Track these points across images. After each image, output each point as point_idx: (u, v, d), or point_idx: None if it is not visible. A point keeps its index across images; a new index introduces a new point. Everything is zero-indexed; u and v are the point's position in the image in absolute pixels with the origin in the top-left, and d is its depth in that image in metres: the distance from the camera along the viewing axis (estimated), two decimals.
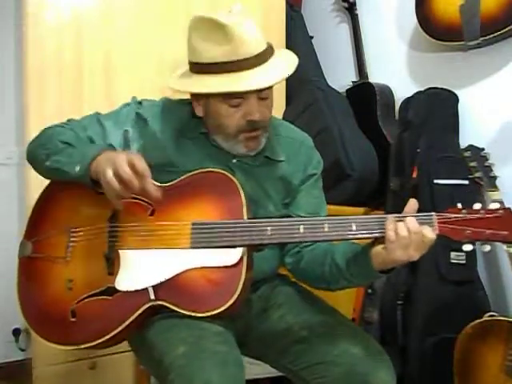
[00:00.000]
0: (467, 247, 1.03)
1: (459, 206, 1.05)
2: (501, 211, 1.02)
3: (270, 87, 1.19)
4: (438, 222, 1.03)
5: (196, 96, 1.23)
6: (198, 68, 1.18)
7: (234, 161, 1.26)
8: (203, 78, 1.17)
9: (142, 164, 1.06)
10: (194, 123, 1.27)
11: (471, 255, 1.81)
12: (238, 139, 1.20)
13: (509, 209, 1.02)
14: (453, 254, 1.78)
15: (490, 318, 1.54)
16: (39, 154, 1.24)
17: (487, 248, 1.04)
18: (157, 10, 1.96)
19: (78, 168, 1.14)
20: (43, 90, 1.80)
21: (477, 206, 1.04)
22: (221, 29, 1.12)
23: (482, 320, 1.54)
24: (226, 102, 1.17)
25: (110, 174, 1.06)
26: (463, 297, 1.78)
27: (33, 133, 1.76)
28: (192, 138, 1.26)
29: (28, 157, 1.29)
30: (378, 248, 1.05)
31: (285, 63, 1.20)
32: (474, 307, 1.74)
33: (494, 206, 1.04)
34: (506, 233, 1.00)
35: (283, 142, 1.32)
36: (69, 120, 1.32)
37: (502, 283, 1.86)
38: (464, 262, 1.79)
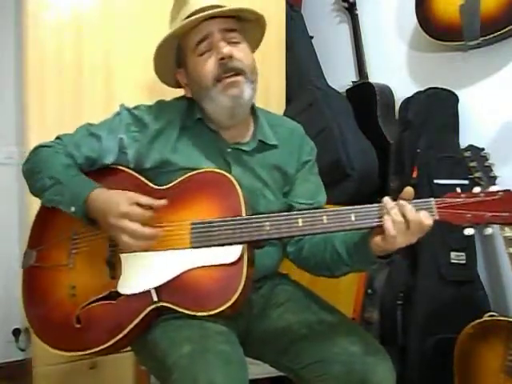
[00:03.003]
0: (468, 231, 1.03)
1: (458, 190, 1.04)
2: (500, 193, 1.01)
3: (232, 30, 1.24)
4: (438, 208, 1.03)
5: (180, 73, 1.30)
6: None
7: (229, 150, 1.27)
8: None
9: (142, 199, 1.13)
10: (190, 112, 1.29)
11: (471, 255, 1.81)
12: (218, 89, 1.21)
13: (508, 190, 1.02)
14: (453, 254, 1.79)
15: (490, 318, 1.54)
16: (32, 184, 1.26)
17: (489, 231, 1.04)
18: (157, 10, 1.96)
19: (73, 209, 1.17)
20: (43, 90, 1.80)
21: (476, 189, 1.04)
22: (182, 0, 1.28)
23: (481, 320, 1.54)
24: (197, 53, 1.23)
25: (125, 238, 1.11)
26: (463, 297, 1.78)
27: (33, 133, 1.79)
28: (189, 127, 1.28)
29: (25, 178, 1.29)
30: (377, 239, 1.05)
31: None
32: (474, 307, 1.74)
33: (493, 188, 1.03)
34: (506, 214, 1.00)
35: (276, 130, 1.34)
36: (59, 138, 1.30)
37: (502, 283, 1.86)
38: (464, 261, 1.79)
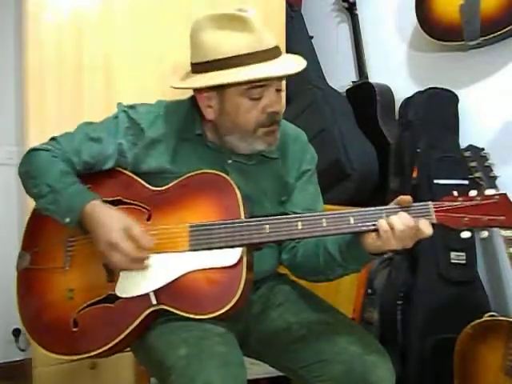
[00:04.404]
0: (465, 234, 1.04)
1: (455, 193, 1.05)
2: (497, 197, 1.03)
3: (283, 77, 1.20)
4: (436, 211, 1.04)
5: (208, 97, 1.19)
6: (216, 64, 1.14)
7: (230, 161, 1.25)
8: (224, 72, 1.13)
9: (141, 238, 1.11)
10: (190, 124, 1.26)
11: (471, 255, 1.81)
12: (257, 135, 1.19)
13: (505, 194, 1.03)
14: (453, 254, 1.79)
15: (490, 318, 1.54)
16: (28, 188, 1.23)
17: (485, 234, 1.05)
18: (157, 11, 1.96)
19: (68, 220, 1.15)
20: (43, 90, 1.80)
21: (473, 192, 1.05)
22: (240, 21, 1.12)
23: (481, 320, 1.54)
24: (246, 94, 1.15)
25: (110, 263, 1.12)
26: (463, 297, 1.78)
27: (33, 133, 1.79)
28: (187, 139, 1.25)
29: (21, 180, 1.26)
30: (372, 235, 1.04)
31: (295, 57, 1.22)
32: (474, 307, 1.74)
33: (489, 192, 1.05)
34: (503, 218, 1.01)
35: (278, 139, 1.31)
36: (56, 140, 1.26)
37: (502, 283, 1.86)
38: (464, 261, 1.79)
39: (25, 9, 1.78)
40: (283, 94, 2.14)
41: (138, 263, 1.12)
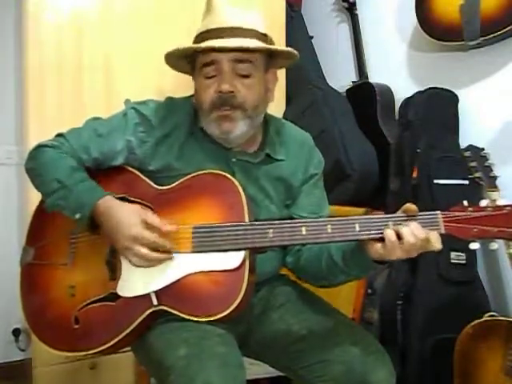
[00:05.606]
0: (474, 245, 1.01)
1: (465, 203, 1.02)
2: (508, 208, 0.99)
3: (243, 61, 1.17)
4: (444, 221, 1.01)
5: (193, 81, 1.25)
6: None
7: (234, 160, 1.25)
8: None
9: (153, 220, 1.11)
10: (196, 118, 1.26)
11: (471, 255, 1.81)
12: (211, 117, 1.19)
13: None
14: (453, 254, 1.79)
15: (490, 318, 1.54)
16: (36, 185, 1.23)
17: (495, 246, 1.02)
18: (157, 11, 1.96)
19: (78, 216, 1.15)
20: (43, 90, 1.80)
21: (483, 202, 1.02)
22: (208, 5, 1.20)
23: (481, 320, 1.54)
24: (202, 73, 1.20)
25: (135, 260, 1.12)
26: (463, 297, 1.78)
27: (32, 132, 1.79)
28: (192, 133, 1.25)
29: (28, 176, 1.26)
30: (378, 245, 1.03)
31: (252, 40, 1.18)
32: (474, 307, 1.74)
33: (500, 202, 1.01)
34: None
35: (285, 142, 1.31)
36: (64, 136, 1.25)
37: (502, 283, 1.86)
38: (464, 261, 1.79)
39: (25, 9, 1.78)
40: (281, 93, 2.19)
41: (163, 253, 1.11)
